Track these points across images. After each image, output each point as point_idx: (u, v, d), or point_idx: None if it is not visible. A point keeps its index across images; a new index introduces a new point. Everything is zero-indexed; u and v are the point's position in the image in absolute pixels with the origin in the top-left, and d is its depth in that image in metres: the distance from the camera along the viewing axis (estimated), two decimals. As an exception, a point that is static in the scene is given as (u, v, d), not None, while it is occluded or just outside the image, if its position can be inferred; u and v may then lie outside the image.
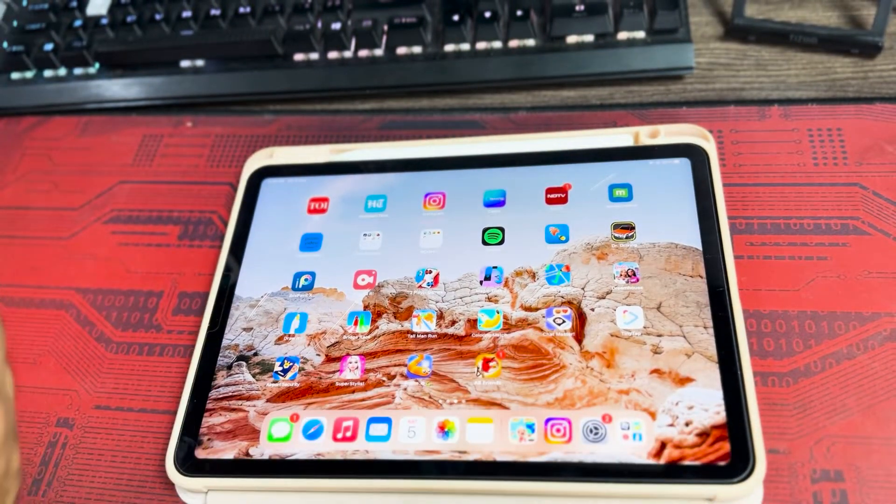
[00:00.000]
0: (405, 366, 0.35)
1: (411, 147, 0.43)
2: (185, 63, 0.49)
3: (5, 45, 0.52)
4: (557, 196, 0.39)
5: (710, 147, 0.39)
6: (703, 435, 0.31)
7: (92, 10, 0.52)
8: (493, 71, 0.45)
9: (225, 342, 0.38)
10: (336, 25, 0.47)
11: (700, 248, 0.36)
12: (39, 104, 0.50)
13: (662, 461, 0.31)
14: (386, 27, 0.47)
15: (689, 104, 0.43)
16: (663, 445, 0.31)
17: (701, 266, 0.35)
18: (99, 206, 0.46)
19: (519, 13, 0.45)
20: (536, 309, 0.36)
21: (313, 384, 0.36)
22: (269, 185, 0.43)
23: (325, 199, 0.42)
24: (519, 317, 0.36)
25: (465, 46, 0.46)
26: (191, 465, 0.34)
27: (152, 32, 0.50)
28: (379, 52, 0.47)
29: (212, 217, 0.44)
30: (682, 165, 0.39)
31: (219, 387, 0.36)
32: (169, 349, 0.40)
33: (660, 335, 0.34)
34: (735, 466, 0.30)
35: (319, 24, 0.48)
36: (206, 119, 0.48)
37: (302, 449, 0.34)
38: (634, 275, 0.36)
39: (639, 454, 0.31)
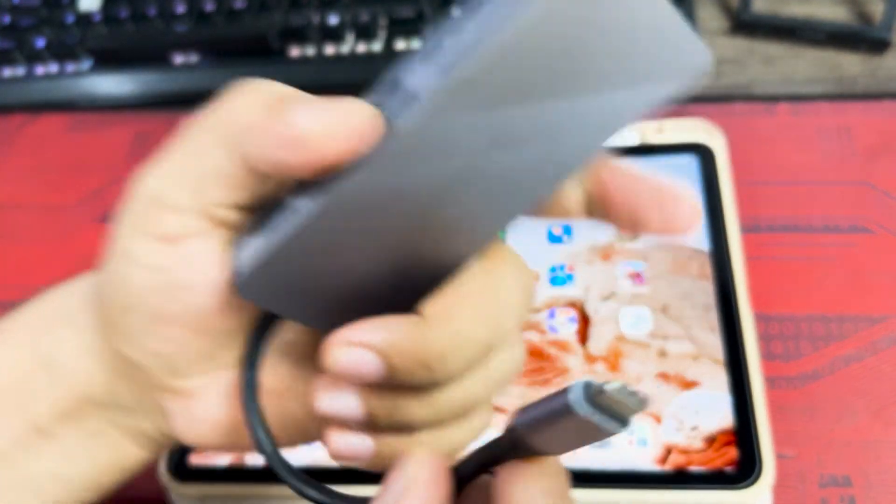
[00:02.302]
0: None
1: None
2: (178, 59, 0.48)
3: (-4, 40, 0.51)
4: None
5: (718, 144, 0.38)
6: (710, 440, 0.31)
7: (84, 5, 0.51)
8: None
9: (220, 344, 0.37)
10: (333, 20, 0.47)
11: (707, 248, 0.35)
12: (30, 101, 0.50)
13: (668, 467, 0.30)
14: (384, 21, 0.46)
15: (695, 100, 0.43)
16: (669, 451, 0.31)
17: (708, 267, 0.35)
18: (91, 205, 0.46)
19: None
20: (539, 311, 0.35)
21: (310, 388, 0.35)
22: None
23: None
24: (521, 319, 0.35)
25: (466, 42, 0.45)
26: (184, 471, 0.34)
27: (146, 28, 0.49)
28: (377, 46, 0.46)
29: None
30: (690, 163, 0.38)
31: (213, 390, 0.36)
32: (163, 351, 0.39)
33: (666, 338, 0.33)
34: (743, 472, 0.30)
35: (316, 19, 0.47)
36: (201, 116, 0.48)
37: (297, 456, 0.33)
38: (640, 276, 0.35)
39: (644, 460, 0.30)
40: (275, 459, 0.20)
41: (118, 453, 0.23)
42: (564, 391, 0.15)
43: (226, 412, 0.22)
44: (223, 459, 0.34)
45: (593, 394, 0.15)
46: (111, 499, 0.36)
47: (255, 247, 0.18)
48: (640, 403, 0.15)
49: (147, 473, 0.36)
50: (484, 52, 0.15)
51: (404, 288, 0.18)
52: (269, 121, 0.17)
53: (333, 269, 0.18)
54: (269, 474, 0.33)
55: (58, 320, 0.22)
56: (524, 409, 0.16)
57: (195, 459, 0.34)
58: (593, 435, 0.15)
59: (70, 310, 0.22)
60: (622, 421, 0.15)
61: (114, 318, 0.20)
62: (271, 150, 0.17)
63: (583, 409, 0.15)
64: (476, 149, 0.16)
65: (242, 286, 0.18)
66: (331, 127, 0.16)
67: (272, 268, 0.18)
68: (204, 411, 0.22)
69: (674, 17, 0.16)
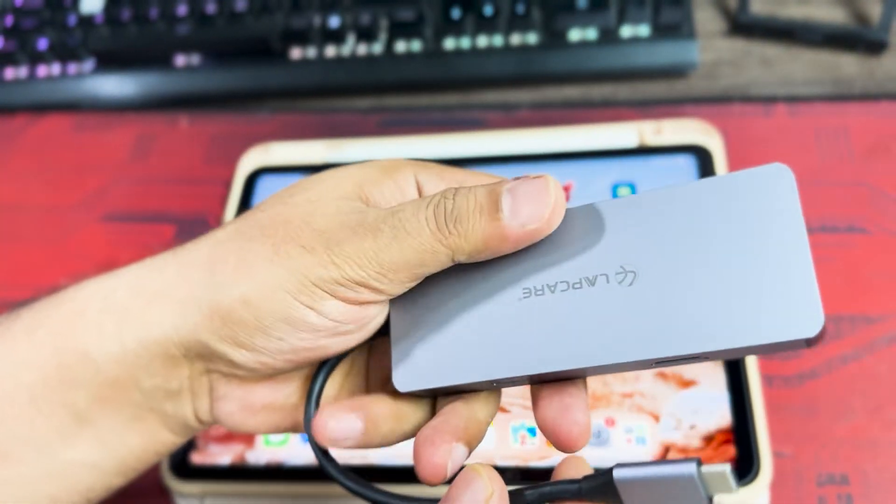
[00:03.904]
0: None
1: (410, 143, 0.43)
2: (180, 61, 0.48)
3: (-1, 41, 0.51)
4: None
5: (716, 144, 0.38)
6: (708, 438, 0.31)
7: (87, 7, 0.51)
8: (493, 67, 0.45)
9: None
10: (334, 22, 0.47)
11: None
12: (33, 102, 0.50)
13: (667, 466, 0.30)
14: (385, 24, 0.47)
15: (693, 101, 0.43)
16: (668, 449, 0.31)
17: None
18: (93, 205, 0.46)
19: (520, 8, 0.45)
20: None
21: (311, 387, 0.35)
22: (265, 182, 0.43)
23: (323, 199, 0.41)
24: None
25: (466, 42, 0.46)
26: (186, 469, 0.34)
27: (148, 30, 0.49)
28: (378, 48, 0.47)
29: (208, 216, 0.44)
30: (688, 163, 0.38)
31: (215, 389, 0.36)
32: (165, 351, 0.39)
33: (664, 337, 0.33)
34: (740, 470, 0.30)
35: (317, 21, 0.47)
36: (202, 117, 0.48)
37: (299, 454, 0.33)
38: (638, 275, 0.35)
39: (643, 458, 0.31)
40: (327, 461, 0.24)
41: (151, 438, 0.24)
42: (681, 461, 0.19)
43: (279, 398, 0.24)
44: (225, 458, 0.34)
45: (706, 472, 0.19)
46: (114, 496, 0.36)
47: None
48: (734, 488, 0.18)
49: (149, 471, 0.36)
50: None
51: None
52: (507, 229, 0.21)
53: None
54: (269, 472, 0.33)
55: (101, 314, 0.23)
56: (623, 465, 0.19)
57: (197, 458, 0.34)
58: (682, 499, 0.19)
59: (118, 303, 0.23)
60: (709, 497, 0.19)
61: (238, 330, 0.21)
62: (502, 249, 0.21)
63: (699, 480, 0.18)
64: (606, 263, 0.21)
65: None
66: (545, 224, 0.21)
67: None
68: (258, 398, 0.24)
69: (808, 272, 0.18)
